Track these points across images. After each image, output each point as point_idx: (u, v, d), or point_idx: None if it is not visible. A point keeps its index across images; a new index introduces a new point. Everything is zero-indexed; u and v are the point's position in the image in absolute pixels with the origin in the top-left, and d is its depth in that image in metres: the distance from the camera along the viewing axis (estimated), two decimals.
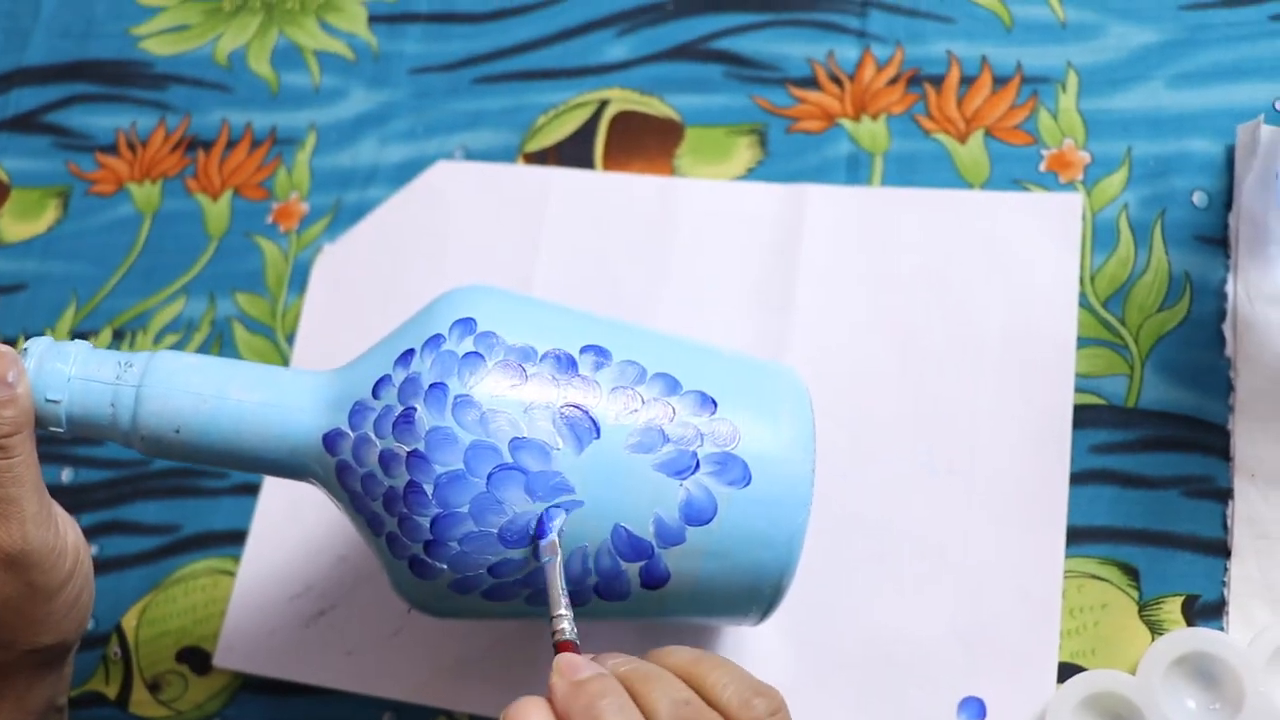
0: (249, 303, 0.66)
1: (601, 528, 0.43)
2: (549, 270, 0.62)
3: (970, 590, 0.53)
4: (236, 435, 0.44)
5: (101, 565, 0.62)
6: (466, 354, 0.42)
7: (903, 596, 0.54)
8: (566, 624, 0.40)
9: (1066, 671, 0.51)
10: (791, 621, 0.54)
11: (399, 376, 0.43)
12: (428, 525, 0.42)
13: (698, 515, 0.43)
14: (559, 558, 0.41)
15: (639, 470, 0.43)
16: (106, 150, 0.72)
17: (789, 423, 0.45)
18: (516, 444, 0.42)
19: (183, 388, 0.44)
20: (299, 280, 0.65)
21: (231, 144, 0.70)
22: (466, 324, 0.43)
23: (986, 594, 0.53)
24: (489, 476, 0.42)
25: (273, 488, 0.62)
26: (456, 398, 0.42)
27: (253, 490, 0.62)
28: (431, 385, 0.42)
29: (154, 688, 0.60)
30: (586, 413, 0.43)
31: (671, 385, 0.44)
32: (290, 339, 0.64)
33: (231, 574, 0.61)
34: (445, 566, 0.43)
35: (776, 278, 0.59)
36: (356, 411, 0.44)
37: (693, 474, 0.43)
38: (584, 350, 0.44)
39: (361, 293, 0.64)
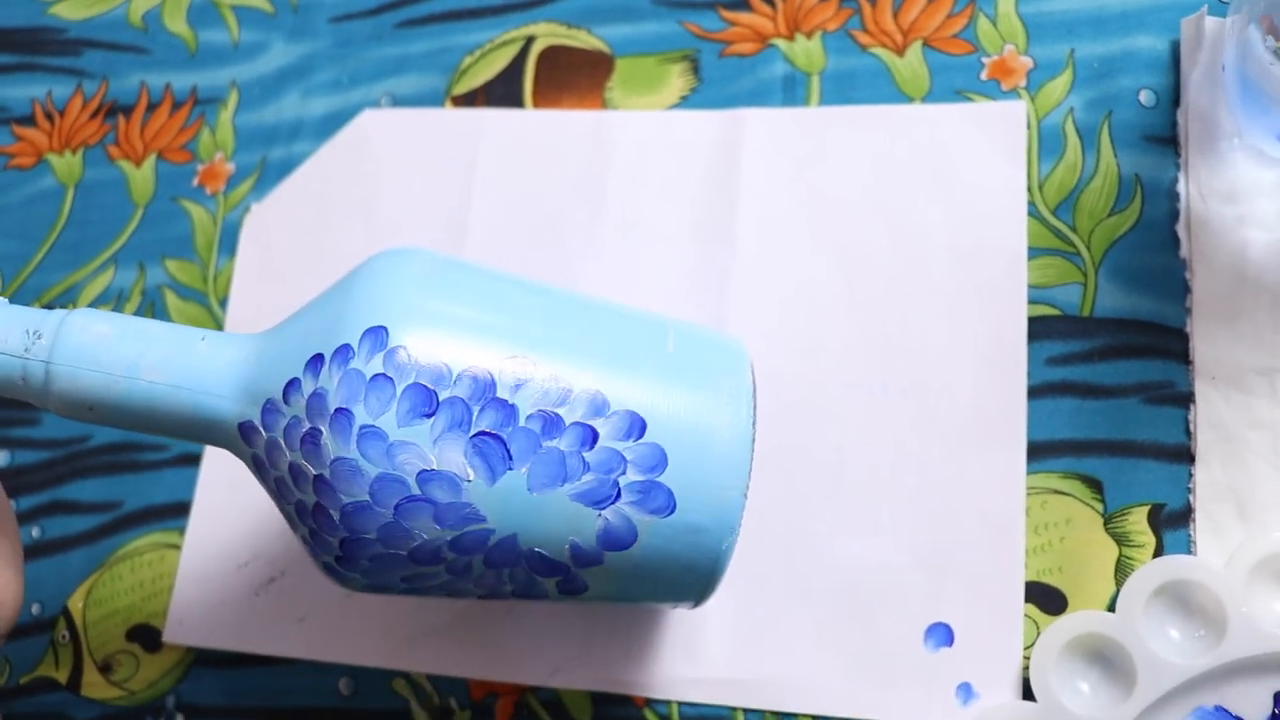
0: (179, 269, 0.63)
1: (515, 553, 0.41)
2: (484, 213, 0.60)
3: (931, 514, 0.52)
4: (151, 415, 0.42)
5: (44, 548, 0.60)
6: (374, 376, 0.39)
7: (861, 527, 0.52)
8: None
9: (1033, 590, 0.50)
10: (749, 561, 0.53)
11: (308, 386, 0.40)
12: (337, 544, 0.41)
13: (616, 542, 0.41)
14: None
15: (555, 500, 0.40)
16: (23, 122, 0.69)
17: (724, 444, 0.42)
18: (425, 476, 0.39)
19: (91, 365, 0.41)
20: (229, 242, 0.63)
21: (152, 107, 0.67)
22: (377, 335, 0.40)
23: (948, 517, 0.52)
24: (396, 507, 0.39)
25: (214, 457, 0.60)
26: (362, 428, 0.39)
27: (194, 461, 0.60)
28: (337, 410, 0.39)
29: (105, 669, 0.59)
30: (502, 442, 0.40)
31: (598, 406, 0.41)
32: (224, 303, 0.62)
33: (177, 547, 0.59)
34: (358, 575, 0.42)
35: (717, 206, 0.58)
36: (269, 410, 0.41)
37: (613, 503, 0.41)
38: (504, 367, 0.40)
39: (293, 250, 0.62)
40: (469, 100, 0.63)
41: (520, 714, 0.54)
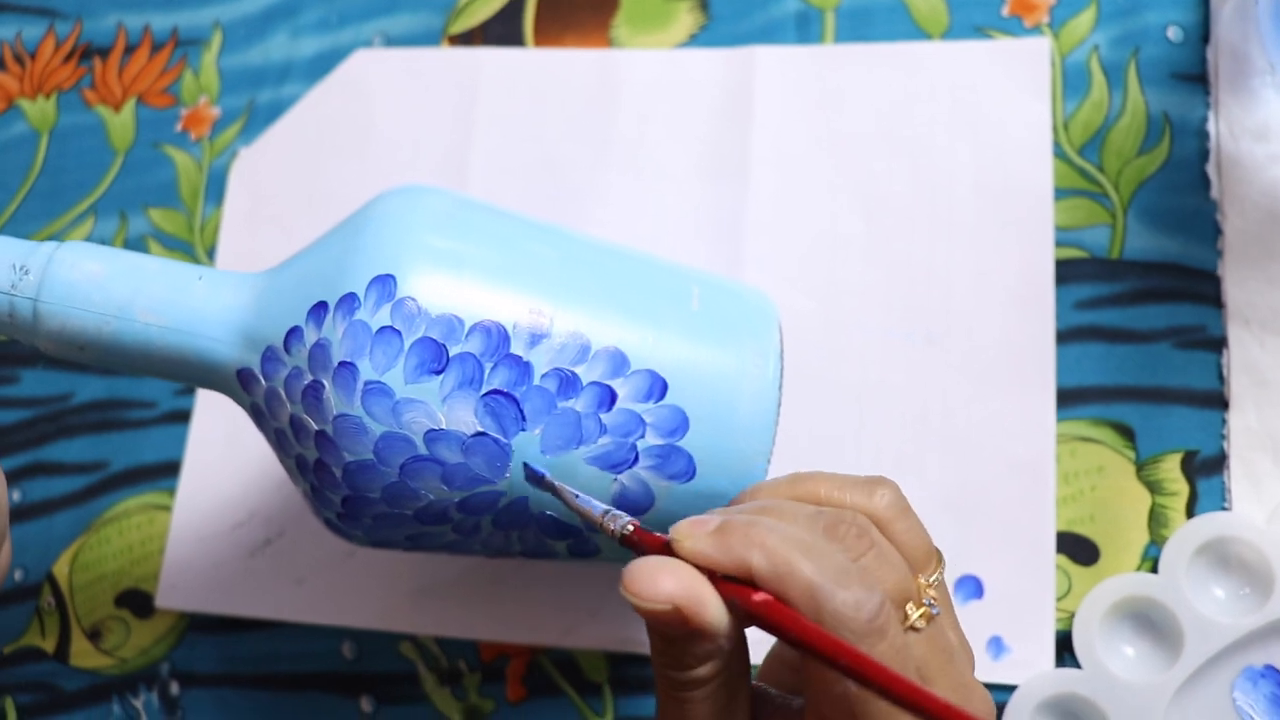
0: (164, 218, 0.61)
1: (526, 516, 0.39)
2: (485, 159, 0.57)
3: (958, 464, 0.50)
4: (146, 358, 0.40)
5: (26, 511, 0.58)
6: (381, 329, 0.37)
7: (886, 475, 0.51)
8: (622, 518, 0.35)
9: (1064, 541, 0.49)
10: None
11: (310, 336, 0.38)
12: (339, 501, 0.39)
13: (632, 507, 0.39)
14: (560, 485, 0.37)
15: (570, 463, 0.38)
16: None
17: (748, 408, 0.39)
18: (433, 436, 0.37)
19: (83, 305, 0.39)
20: (216, 190, 0.60)
21: (130, 49, 0.64)
22: (384, 284, 0.37)
23: (975, 466, 0.50)
24: (401, 467, 0.37)
25: (205, 412, 0.57)
26: (367, 384, 0.36)
27: (184, 418, 0.57)
28: (341, 364, 0.37)
29: (94, 636, 0.56)
30: (515, 401, 0.37)
31: (618, 364, 0.38)
32: (211, 252, 0.59)
33: (167, 508, 0.56)
34: (360, 533, 0.40)
35: (728, 147, 0.55)
36: (269, 359, 0.39)
37: (630, 467, 0.38)
38: (519, 320, 0.38)
39: (285, 198, 0.59)
40: (466, 40, 0.60)
41: (533, 675, 0.52)
